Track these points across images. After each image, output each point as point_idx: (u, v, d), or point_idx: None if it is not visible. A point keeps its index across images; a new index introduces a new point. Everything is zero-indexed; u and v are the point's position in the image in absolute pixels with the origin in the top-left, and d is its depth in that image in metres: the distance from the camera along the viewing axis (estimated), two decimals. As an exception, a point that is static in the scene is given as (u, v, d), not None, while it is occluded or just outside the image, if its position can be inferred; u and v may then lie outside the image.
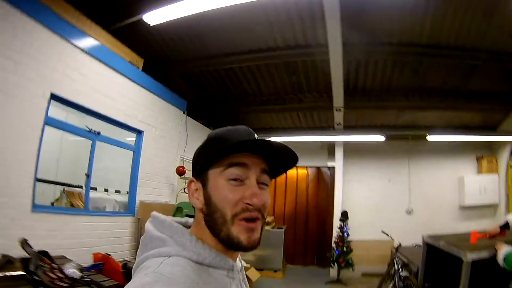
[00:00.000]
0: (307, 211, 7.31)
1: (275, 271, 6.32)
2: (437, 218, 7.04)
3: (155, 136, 4.54)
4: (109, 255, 3.44)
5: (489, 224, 7.10)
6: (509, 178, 7.39)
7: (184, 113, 5.10)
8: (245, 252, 0.64)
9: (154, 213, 0.68)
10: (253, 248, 0.63)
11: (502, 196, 7.33)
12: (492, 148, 7.63)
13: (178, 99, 5.05)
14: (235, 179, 0.63)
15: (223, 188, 0.63)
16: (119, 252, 3.74)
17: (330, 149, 6.77)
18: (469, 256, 2.44)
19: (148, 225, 0.67)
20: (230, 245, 0.62)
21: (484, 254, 2.48)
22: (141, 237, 0.66)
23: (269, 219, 6.81)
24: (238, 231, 0.61)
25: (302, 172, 7.43)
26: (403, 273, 4.36)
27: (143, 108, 4.25)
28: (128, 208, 4.17)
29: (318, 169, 7.36)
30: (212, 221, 0.63)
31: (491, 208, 7.37)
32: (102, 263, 3.27)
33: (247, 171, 0.64)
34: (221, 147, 0.63)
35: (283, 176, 7.44)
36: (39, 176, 2.98)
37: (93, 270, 2.98)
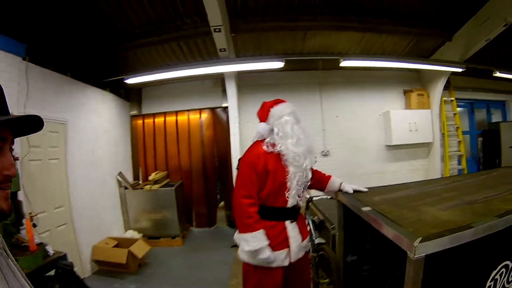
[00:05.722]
0: (204, 162, 6.30)
1: (173, 237, 5.48)
2: (359, 160, 6.28)
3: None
4: None
5: (423, 165, 6.44)
6: (443, 114, 6.64)
7: (23, 59, 3.54)
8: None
9: None
10: (10, 214, 0.70)
11: (437, 134, 6.64)
12: (422, 81, 6.84)
13: (11, 41, 3.44)
14: None
15: None
16: None
17: (225, 86, 5.51)
18: (422, 249, 1.35)
19: None
20: None
21: (446, 243, 1.39)
22: None
23: (156, 176, 5.67)
24: None
25: (194, 117, 6.27)
26: (317, 239, 3.40)
27: None
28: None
29: (213, 111, 6.21)
30: None
31: (425, 147, 6.71)
32: None
33: (5, 143, 0.68)
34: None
35: (173, 123, 6.22)
36: None
37: None
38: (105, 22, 4.44)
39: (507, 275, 1.61)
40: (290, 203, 2.11)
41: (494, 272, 1.55)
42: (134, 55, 5.29)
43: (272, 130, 2.14)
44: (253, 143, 2.23)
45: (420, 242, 1.34)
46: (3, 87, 0.72)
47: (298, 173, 2.06)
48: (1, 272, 0.64)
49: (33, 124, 0.74)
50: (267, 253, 1.99)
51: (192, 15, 4.57)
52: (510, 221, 1.56)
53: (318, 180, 2.43)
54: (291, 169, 2.04)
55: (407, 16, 5.20)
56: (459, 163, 7.14)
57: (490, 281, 1.54)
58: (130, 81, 5.09)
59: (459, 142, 7.06)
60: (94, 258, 4.31)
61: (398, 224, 1.56)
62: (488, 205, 1.81)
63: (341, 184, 2.40)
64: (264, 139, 2.14)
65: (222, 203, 6.54)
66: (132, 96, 6.31)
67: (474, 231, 1.44)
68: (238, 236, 2.09)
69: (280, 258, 2.08)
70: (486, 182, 2.74)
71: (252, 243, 1.97)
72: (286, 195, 2.06)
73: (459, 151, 7.07)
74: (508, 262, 1.61)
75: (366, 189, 2.40)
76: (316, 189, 2.51)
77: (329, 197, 3.82)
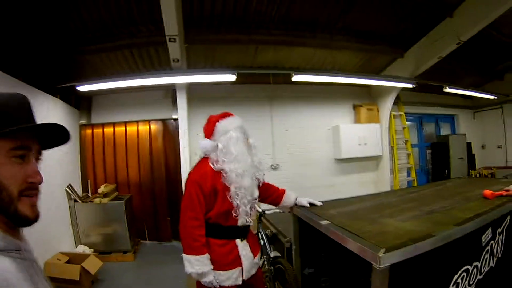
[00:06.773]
0: (153, 174, 6.12)
1: (124, 252, 5.30)
2: (309, 173, 6.34)
3: None
4: None
5: (372, 178, 6.64)
6: (392, 128, 6.90)
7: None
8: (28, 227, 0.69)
9: None
10: (37, 220, 0.72)
11: (386, 147, 6.87)
12: (372, 96, 7.04)
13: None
14: (18, 157, 0.66)
15: (7, 165, 0.64)
16: None
17: (175, 97, 5.44)
18: (386, 259, 1.37)
19: None
20: (18, 222, 0.68)
21: (409, 252, 1.42)
22: None
23: (105, 188, 5.46)
24: (23, 207, 0.67)
25: (144, 128, 6.10)
26: (272, 253, 3.38)
27: None
28: None
29: (164, 122, 6.08)
30: None
31: (374, 160, 6.90)
32: None
33: (28, 152, 0.69)
34: (14, 129, 0.64)
35: (122, 134, 6.04)
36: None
37: None
38: (59, 23, 4.19)
39: (468, 279, 1.71)
40: (241, 222, 2.05)
41: (456, 276, 1.64)
42: (86, 61, 5.07)
43: (217, 146, 2.02)
44: (200, 160, 2.12)
45: (384, 252, 1.37)
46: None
47: (240, 193, 1.97)
48: (31, 278, 0.67)
49: (59, 136, 0.77)
50: (210, 278, 1.93)
51: (147, 23, 4.46)
52: (468, 228, 1.66)
53: (272, 195, 2.38)
54: (232, 188, 1.96)
55: (361, 34, 5.36)
56: (409, 174, 7.46)
57: (453, 285, 1.61)
58: (82, 88, 4.84)
59: (408, 154, 7.38)
60: (47, 275, 3.97)
61: (360, 237, 1.58)
62: (447, 214, 1.89)
63: (296, 198, 2.39)
64: (210, 156, 2.04)
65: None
66: (82, 105, 6.04)
67: (435, 239, 1.50)
68: (183, 256, 1.99)
69: (233, 277, 2.02)
70: (442, 193, 2.82)
71: (196, 266, 1.90)
72: (234, 215, 1.99)
73: (408, 163, 7.39)
74: (468, 266, 1.71)
75: (320, 203, 2.40)
76: (270, 203, 2.45)
77: (281, 211, 3.81)
